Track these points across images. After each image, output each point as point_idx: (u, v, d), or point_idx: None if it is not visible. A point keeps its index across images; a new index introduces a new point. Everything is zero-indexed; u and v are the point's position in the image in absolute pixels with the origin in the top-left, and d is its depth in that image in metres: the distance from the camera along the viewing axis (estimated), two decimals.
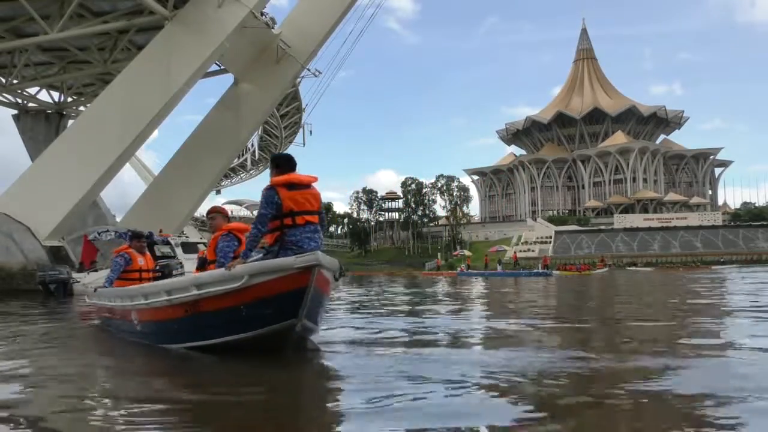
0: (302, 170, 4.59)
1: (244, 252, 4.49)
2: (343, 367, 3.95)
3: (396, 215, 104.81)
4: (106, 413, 3.03)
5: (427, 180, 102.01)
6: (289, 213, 4.31)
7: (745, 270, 37.51)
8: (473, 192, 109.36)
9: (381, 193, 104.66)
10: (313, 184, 4.52)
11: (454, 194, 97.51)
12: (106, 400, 3.36)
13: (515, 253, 64.25)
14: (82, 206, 22.59)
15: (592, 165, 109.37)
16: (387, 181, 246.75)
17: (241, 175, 60.84)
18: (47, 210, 20.93)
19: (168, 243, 18.02)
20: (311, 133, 40.66)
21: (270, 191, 4.35)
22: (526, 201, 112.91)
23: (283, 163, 4.51)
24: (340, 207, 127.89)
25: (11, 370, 4.19)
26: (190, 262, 17.21)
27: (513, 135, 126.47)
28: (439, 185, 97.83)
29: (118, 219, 31.35)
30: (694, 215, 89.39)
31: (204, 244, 20.18)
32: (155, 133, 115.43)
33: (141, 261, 6.23)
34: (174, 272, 7.68)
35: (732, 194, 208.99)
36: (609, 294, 14.38)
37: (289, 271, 3.96)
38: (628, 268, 47.41)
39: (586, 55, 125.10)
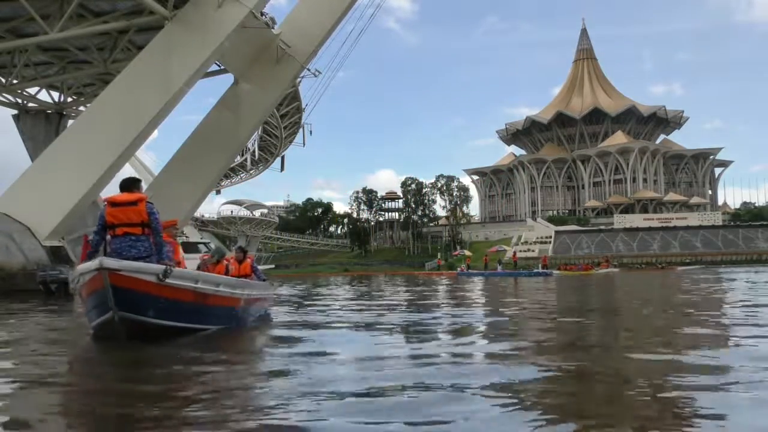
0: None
1: (89, 253, 5.56)
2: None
3: (396, 215, 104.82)
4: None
5: (427, 180, 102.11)
6: (111, 226, 5.47)
7: (712, 271, 37.28)
8: (473, 192, 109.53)
9: (381, 193, 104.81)
10: (143, 202, 5.50)
11: (454, 194, 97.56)
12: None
13: (515, 253, 64.23)
14: (82, 206, 22.55)
15: (592, 165, 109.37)
16: (387, 181, 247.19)
17: (241, 175, 60.78)
18: (47, 210, 20.90)
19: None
20: (311, 133, 40.75)
21: (102, 207, 5.62)
22: (526, 201, 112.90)
23: (121, 187, 5.71)
24: (340, 207, 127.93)
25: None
26: (190, 261, 17.22)
27: (513, 135, 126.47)
28: (439, 185, 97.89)
29: None
30: (694, 215, 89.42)
31: (204, 244, 20.18)
32: (155, 133, 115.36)
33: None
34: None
35: (732, 194, 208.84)
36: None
37: (92, 273, 5.00)
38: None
39: (586, 55, 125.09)
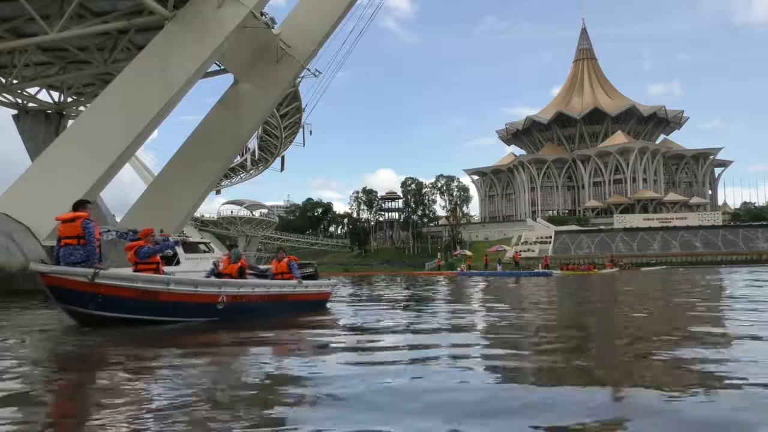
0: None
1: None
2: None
3: (396, 215, 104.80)
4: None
5: (427, 180, 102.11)
6: (60, 238, 6.88)
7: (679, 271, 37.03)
8: (473, 192, 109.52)
9: (381, 193, 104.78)
10: (80, 220, 6.86)
11: (454, 194, 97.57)
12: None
13: (518, 252, 64.24)
14: None
15: (592, 165, 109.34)
16: (387, 181, 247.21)
17: (241, 175, 60.74)
18: (47, 210, 20.80)
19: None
20: (311, 133, 40.63)
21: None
22: (526, 201, 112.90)
23: (72, 207, 7.16)
24: (340, 207, 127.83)
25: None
26: (190, 261, 17.22)
27: (513, 135, 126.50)
28: (439, 185, 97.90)
29: (118, 219, 31.33)
30: (694, 215, 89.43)
31: (205, 244, 20.18)
32: (155, 133, 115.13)
33: (221, 266, 8.93)
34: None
35: (732, 194, 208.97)
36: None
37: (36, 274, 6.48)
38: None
39: (586, 55, 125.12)
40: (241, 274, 8.60)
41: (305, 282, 9.70)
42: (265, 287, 8.64)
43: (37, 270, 6.36)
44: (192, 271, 14.62)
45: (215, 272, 8.70)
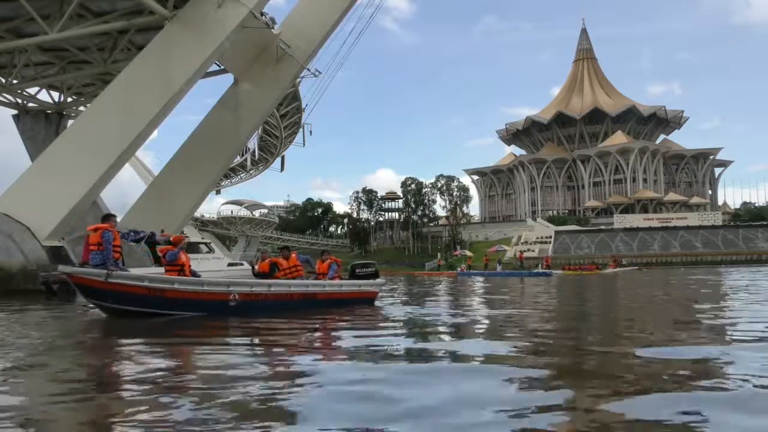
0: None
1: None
2: None
3: (396, 215, 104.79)
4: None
5: (427, 180, 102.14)
6: (90, 245, 8.46)
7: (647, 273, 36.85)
8: (473, 192, 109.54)
9: (381, 193, 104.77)
10: (100, 230, 8.44)
11: (454, 194, 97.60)
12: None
13: (522, 252, 64.33)
14: (82, 206, 22.49)
15: (592, 165, 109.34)
16: (387, 181, 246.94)
17: (241, 175, 60.70)
18: (47, 210, 20.83)
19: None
20: (311, 133, 40.53)
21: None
22: (526, 201, 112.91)
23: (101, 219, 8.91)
24: (340, 207, 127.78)
25: None
26: (191, 261, 17.18)
27: (513, 135, 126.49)
28: (439, 185, 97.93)
29: (118, 219, 31.27)
30: (694, 215, 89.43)
31: (206, 244, 20.19)
32: (155, 133, 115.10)
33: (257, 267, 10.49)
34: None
35: (732, 194, 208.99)
36: None
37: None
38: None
39: (586, 55, 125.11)
40: (271, 269, 9.76)
41: (343, 282, 10.64)
42: (285, 287, 9.38)
43: (61, 271, 8.19)
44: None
45: (254, 272, 10.17)
